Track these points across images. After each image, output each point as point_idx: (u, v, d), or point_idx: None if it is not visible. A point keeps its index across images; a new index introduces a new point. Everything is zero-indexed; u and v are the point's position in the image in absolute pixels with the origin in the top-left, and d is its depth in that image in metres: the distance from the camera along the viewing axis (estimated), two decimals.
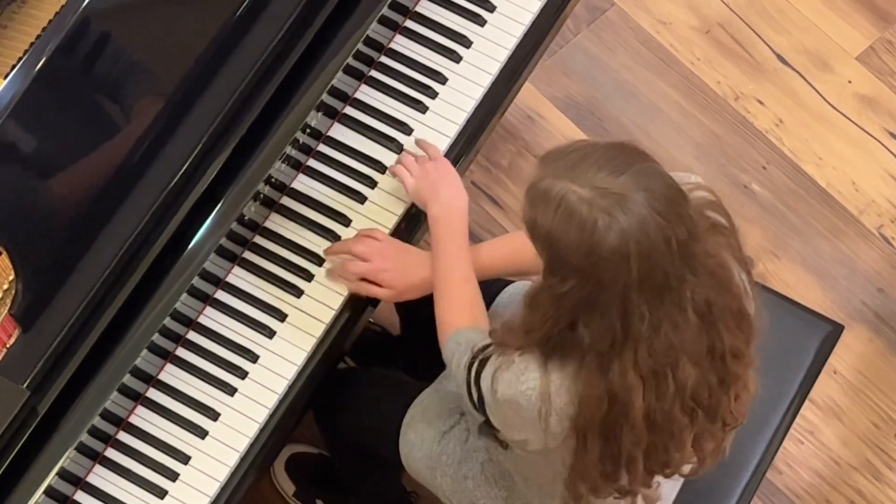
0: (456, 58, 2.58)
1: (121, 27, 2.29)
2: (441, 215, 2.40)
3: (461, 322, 2.30)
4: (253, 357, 2.40)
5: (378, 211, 2.49)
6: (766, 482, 3.12)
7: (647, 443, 2.05)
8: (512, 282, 2.60)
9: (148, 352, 2.33)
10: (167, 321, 2.33)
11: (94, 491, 2.33)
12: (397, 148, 2.52)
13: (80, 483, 2.33)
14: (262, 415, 2.37)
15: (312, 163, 2.52)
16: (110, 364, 2.29)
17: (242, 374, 2.40)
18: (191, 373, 2.40)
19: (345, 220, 2.48)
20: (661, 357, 1.99)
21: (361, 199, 2.50)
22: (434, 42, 2.59)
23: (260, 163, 2.40)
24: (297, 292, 2.44)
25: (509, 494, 2.39)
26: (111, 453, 2.35)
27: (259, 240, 2.47)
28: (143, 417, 2.37)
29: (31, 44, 2.31)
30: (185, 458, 2.35)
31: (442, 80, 2.57)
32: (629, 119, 3.49)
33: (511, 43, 2.59)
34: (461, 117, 2.55)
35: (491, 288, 2.57)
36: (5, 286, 2.26)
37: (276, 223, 2.48)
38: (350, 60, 2.49)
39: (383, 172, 2.51)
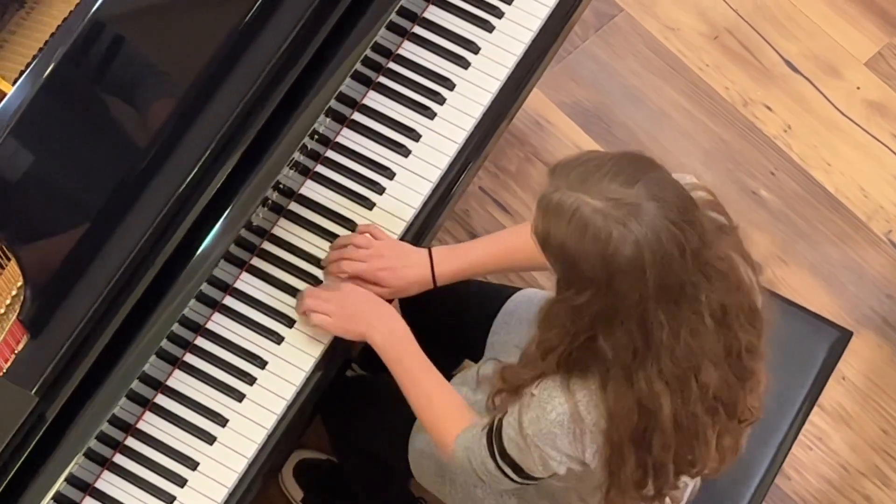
0: (464, 64, 2.58)
1: (129, 33, 2.29)
2: (388, 340, 2.35)
3: (454, 427, 2.28)
4: (261, 363, 2.40)
5: (387, 217, 2.49)
6: (774, 488, 3.11)
7: (675, 445, 2.06)
8: (517, 290, 2.60)
9: (156, 358, 2.33)
10: (175, 327, 2.33)
11: (102, 497, 2.33)
12: (405, 153, 2.52)
13: (88, 489, 2.33)
14: (270, 420, 2.37)
15: (321, 169, 2.52)
16: (119, 370, 2.29)
17: (251, 380, 2.39)
18: (199, 379, 2.39)
19: (353, 226, 2.48)
20: (683, 363, 2.00)
21: (370, 204, 2.50)
22: (442, 48, 2.59)
23: (268, 169, 2.40)
24: None
25: (520, 502, 2.39)
26: (119, 459, 2.35)
27: (267, 246, 2.47)
28: (151, 423, 2.37)
29: (40, 49, 2.31)
30: (193, 464, 2.34)
31: (450, 85, 2.57)
32: (637, 125, 3.49)
33: (519, 49, 2.59)
34: (469, 123, 2.55)
35: (496, 299, 2.57)
36: (14, 292, 2.26)
37: (285, 229, 2.48)
38: (358, 66, 2.49)
39: (392, 179, 2.51)
